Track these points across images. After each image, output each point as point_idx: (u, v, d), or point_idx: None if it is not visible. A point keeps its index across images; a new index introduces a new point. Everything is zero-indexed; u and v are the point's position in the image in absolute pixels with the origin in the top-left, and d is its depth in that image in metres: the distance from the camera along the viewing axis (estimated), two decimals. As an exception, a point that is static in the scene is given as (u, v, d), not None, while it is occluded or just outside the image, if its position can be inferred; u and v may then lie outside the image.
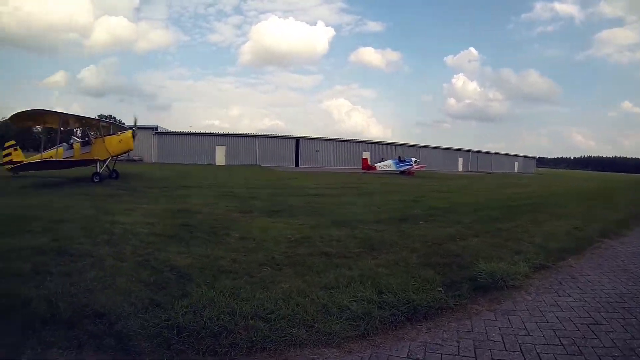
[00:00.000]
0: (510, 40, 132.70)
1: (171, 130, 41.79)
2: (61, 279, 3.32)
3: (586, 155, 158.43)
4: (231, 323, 2.76)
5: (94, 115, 16.57)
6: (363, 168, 28.54)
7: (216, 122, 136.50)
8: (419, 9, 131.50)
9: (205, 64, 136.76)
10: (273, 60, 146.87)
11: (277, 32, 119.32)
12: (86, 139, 15.73)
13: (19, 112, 13.15)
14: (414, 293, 3.40)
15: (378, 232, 6.09)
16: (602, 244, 6.22)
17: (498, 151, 63.53)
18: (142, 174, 18.85)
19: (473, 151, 56.70)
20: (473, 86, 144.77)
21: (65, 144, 15.68)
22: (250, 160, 40.84)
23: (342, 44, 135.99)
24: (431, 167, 43.31)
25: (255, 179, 18.83)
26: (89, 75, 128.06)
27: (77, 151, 15.01)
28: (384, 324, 2.96)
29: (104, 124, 16.35)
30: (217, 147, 40.62)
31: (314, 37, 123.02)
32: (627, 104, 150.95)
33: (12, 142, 16.65)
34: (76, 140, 16.35)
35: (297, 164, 42.83)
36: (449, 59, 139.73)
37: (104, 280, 3.36)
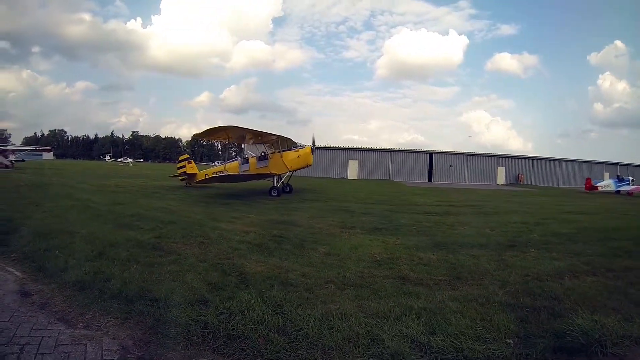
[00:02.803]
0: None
1: (307, 144, 45.54)
2: (143, 268, 4.44)
3: None
4: (253, 331, 3.06)
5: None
6: (586, 188, 29.87)
7: (355, 137, 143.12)
8: (551, 2, 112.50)
9: (341, 80, 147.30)
10: (409, 74, 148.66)
11: (410, 45, 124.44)
12: (263, 153, 16.65)
13: (207, 130, 14.40)
14: (471, 341, 2.95)
15: (475, 258, 5.55)
16: None
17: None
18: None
19: (622, 164, 47.68)
20: (622, 86, 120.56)
21: (240, 158, 17.09)
22: (383, 174, 41.54)
23: (476, 52, 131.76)
24: (570, 184, 42.78)
25: (379, 193, 19.00)
26: (230, 94, 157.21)
27: (253, 165, 16.18)
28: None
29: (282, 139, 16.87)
30: (349, 161, 42.56)
31: (447, 47, 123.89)
32: None
33: (186, 155, 19.68)
34: (251, 155, 17.11)
35: (430, 179, 42.12)
36: (593, 57, 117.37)
37: (175, 274, 4.27)
